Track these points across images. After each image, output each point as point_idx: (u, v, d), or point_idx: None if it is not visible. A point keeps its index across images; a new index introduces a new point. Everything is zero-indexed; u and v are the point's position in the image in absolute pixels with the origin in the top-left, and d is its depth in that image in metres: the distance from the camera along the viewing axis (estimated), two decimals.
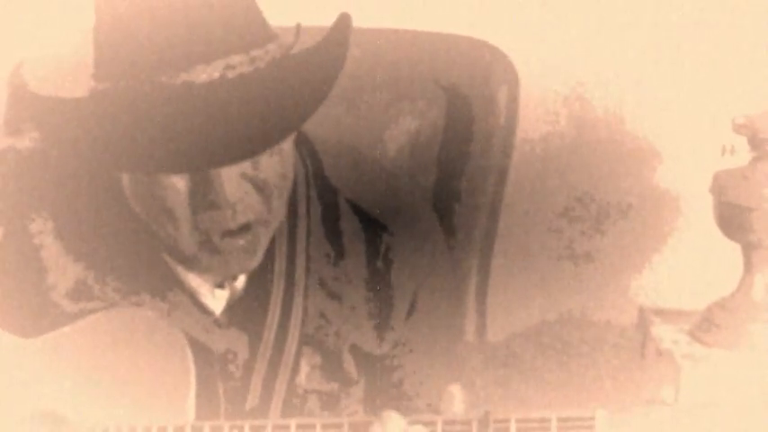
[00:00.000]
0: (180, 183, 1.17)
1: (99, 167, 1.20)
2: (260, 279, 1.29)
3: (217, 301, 1.30)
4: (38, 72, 1.59)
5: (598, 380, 2.03)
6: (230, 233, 1.19)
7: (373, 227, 1.34)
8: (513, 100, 1.63)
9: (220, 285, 1.29)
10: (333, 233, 1.33)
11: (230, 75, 1.13)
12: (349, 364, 1.32)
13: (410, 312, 1.35)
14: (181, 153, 1.11)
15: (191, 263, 1.25)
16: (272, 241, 1.27)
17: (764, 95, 1.82)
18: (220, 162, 1.14)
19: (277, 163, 1.20)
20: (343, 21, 1.20)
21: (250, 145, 1.13)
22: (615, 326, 2.02)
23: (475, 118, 1.62)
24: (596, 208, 1.98)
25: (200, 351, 1.25)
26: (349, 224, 1.33)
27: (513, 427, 1.06)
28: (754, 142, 1.68)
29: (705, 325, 1.77)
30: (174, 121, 1.11)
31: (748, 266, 1.75)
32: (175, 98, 1.11)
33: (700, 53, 1.89)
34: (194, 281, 1.29)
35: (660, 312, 1.89)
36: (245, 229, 1.20)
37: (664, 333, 1.81)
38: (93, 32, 1.18)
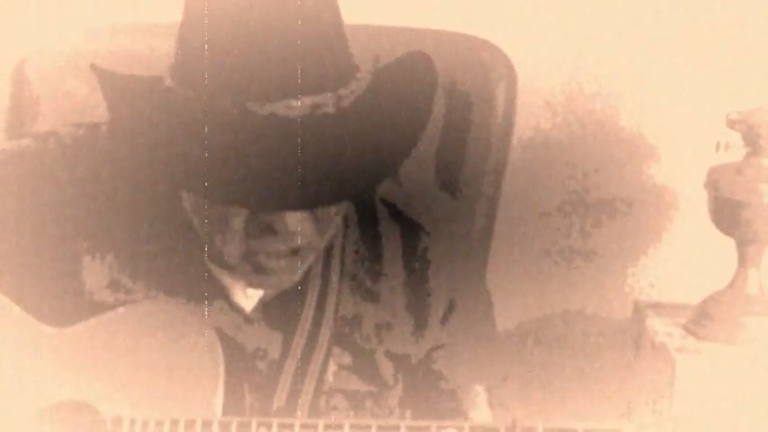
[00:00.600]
0: None
1: (161, 172, 1.15)
2: None
3: (249, 299, 1.28)
4: (40, 68, 1.61)
5: (593, 373, 2.04)
6: (278, 255, 1.17)
7: (410, 227, 1.32)
8: (511, 97, 1.63)
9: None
10: (369, 234, 1.30)
11: (318, 113, 1.09)
12: (385, 368, 1.29)
13: (447, 315, 1.32)
14: (256, 189, 1.07)
15: (229, 268, 1.23)
16: None
17: (758, 91, 1.83)
18: (295, 206, 1.10)
19: None
20: (419, 58, 1.18)
21: (333, 192, 1.10)
22: (610, 319, 2.02)
23: (473, 115, 1.62)
24: (592, 203, 1.98)
25: (231, 347, 1.23)
26: (385, 225, 1.31)
27: None
28: (749, 138, 1.69)
29: (700, 319, 1.77)
30: (257, 153, 1.07)
31: (742, 261, 1.76)
32: (261, 128, 1.08)
33: (695, 50, 1.90)
34: (227, 278, 1.27)
35: (655, 306, 1.89)
36: (293, 253, 1.18)
37: (658, 326, 1.81)
38: (179, 28, 1.15)
